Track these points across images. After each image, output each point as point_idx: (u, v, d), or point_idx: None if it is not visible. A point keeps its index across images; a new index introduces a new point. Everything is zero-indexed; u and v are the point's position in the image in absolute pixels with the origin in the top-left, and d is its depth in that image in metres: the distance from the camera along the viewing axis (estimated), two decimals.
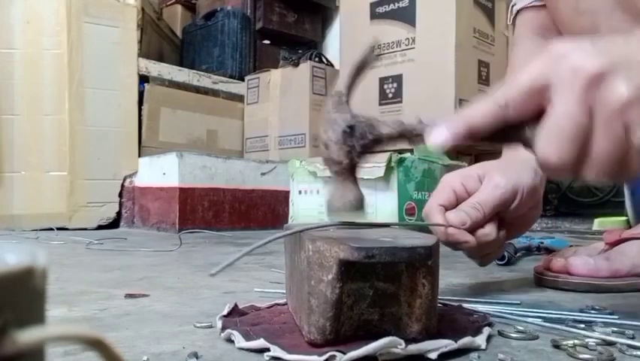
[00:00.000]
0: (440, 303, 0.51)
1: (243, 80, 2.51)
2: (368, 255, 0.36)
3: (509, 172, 0.59)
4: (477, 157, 2.05)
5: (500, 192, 0.57)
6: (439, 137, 0.39)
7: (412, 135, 0.42)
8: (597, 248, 0.76)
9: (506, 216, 0.60)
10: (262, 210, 2.06)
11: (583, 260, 0.71)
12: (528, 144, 0.38)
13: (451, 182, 0.59)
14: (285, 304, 0.53)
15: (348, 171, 0.44)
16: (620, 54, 0.35)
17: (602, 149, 0.34)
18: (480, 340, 0.41)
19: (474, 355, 0.39)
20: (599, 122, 0.34)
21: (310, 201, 1.68)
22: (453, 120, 0.39)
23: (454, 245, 0.57)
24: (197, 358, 0.39)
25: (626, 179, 0.37)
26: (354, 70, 0.47)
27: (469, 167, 0.64)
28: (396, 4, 1.87)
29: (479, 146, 0.41)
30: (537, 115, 0.37)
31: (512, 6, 0.83)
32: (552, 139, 0.35)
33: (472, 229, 0.56)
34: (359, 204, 0.45)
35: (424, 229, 0.61)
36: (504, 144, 0.41)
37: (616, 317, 0.53)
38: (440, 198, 0.58)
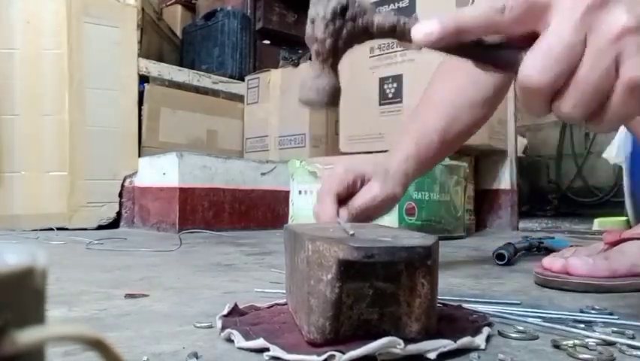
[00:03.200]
0: (440, 303, 0.51)
1: (242, 80, 2.51)
2: (367, 255, 0.36)
3: (388, 183, 0.66)
4: (477, 158, 2.05)
5: (375, 205, 0.66)
6: (427, 29, 0.37)
7: (402, 29, 0.39)
8: (597, 248, 0.76)
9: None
10: (262, 211, 2.06)
11: (582, 260, 0.71)
12: (512, 67, 0.36)
13: (347, 177, 0.65)
14: (285, 304, 0.53)
15: (329, 54, 0.41)
16: None
17: (586, 77, 0.33)
18: (479, 340, 0.41)
19: (474, 355, 0.39)
20: (591, 47, 0.33)
21: (310, 201, 1.67)
22: (445, 15, 0.37)
23: None
24: (197, 358, 0.39)
25: (599, 123, 0.35)
26: None
27: (364, 162, 0.69)
28: (396, 4, 1.87)
29: (457, 55, 0.37)
30: (527, 40, 0.35)
31: None
32: (539, 57, 0.34)
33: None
34: (333, 94, 0.42)
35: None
36: (488, 62, 0.38)
37: (616, 317, 0.53)
38: (338, 187, 0.63)
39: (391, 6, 1.89)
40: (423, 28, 0.37)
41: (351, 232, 0.42)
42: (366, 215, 0.66)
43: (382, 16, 0.40)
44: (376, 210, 0.67)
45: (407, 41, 0.39)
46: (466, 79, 0.77)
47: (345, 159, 0.69)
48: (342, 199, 0.64)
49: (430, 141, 0.73)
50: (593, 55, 0.33)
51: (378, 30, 0.40)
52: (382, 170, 0.68)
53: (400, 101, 1.83)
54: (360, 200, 0.65)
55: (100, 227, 1.95)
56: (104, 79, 1.97)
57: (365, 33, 0.40)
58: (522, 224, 2.13)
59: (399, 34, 0.40)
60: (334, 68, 0.42)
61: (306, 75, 0.42)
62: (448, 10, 1.73)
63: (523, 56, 0.35)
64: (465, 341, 0.40)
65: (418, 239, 0.41)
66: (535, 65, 0.34)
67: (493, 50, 0.37)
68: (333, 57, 0.41)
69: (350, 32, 0.40)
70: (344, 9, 0.39)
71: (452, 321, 0.46)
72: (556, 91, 0.34)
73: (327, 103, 0.42)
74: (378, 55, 1.89)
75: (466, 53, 0.38)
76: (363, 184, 0.67)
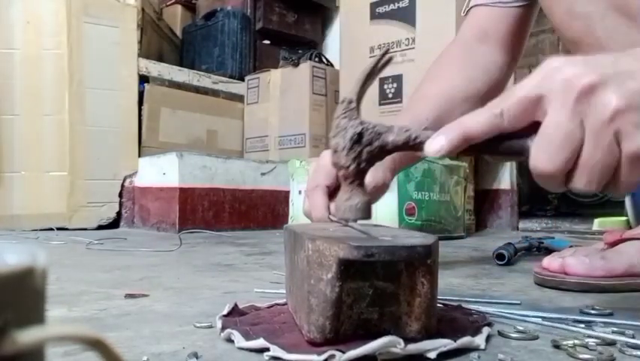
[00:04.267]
0: (440, 303, 0.51)
1: (243, 80, 2.51)
2: (367, 254, 0.36)
3: (378, 172, 0.66)
4: (477, 158, 2.05)
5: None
6: (437, 145, 0.40)
7: (415, 143, 0.43)
8: (597, 248, 0.76)
9: None
10: (262, 211, 2.06)
11: (579, 260, 0.71)
12: (522, 155, 0.39)
13: (328, 173, 0.64)
14: (285, 304, 0.53)
15: (355, 176, 0.46)
16: (611, 68, 0.37)
17: (592, 157, 0.36)
18: (479, 340, 0.41)
19: (474, 355, 0.39)
20: (590, 131, 0.35)
21: None
22: (450, 129, 0.40)
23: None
24: (197, 358, 0.39)
25: (615, 190, 0.38)
26: (364, 76, 0.48)
27: None
28: (396, 4, 1.87)
29: (470, 154, 0.44)
30: (531, 128, 0.38)
31: None
32: (543, 148, 0.36)
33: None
34: (366, 209, 0.47)
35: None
36: (499, 155, 0.42)
37: (616, 317, 0.53)
38: (326, 180, 0.62)
39: (391, 6, 1.89)
40: (434, 146, 0.40)
41: (363, 230, 0.44)
42: None
43: (395, 135, 0.44)
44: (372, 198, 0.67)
45: (421, 152, 0.43)
46: (460, 74, 0.77)
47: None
48: (332, 191, 0.63)
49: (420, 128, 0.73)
50: (593, 137, 0.35)
51: (393, 147, 0.44)
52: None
53: (400, 101, 1.83)
54: None
55: (100, 227, 1.95)
56: (104, 79, 1.97)
57: (382, 151, 0.45)
58: (522, 224, 2.13)
59: (413, 148, 0.44)
60: (361, 185, 0.47)
61: (339, 198, 0.47)
62: (447, 8, 1.73)
63: (530, 143, 0.38)
64: (465, 340, 0.40)
65: (417, 239, 0.41)
66: (542, 156, 0.37)
67: (501, 144, 0.40)
68: (358, 178, 0.46)
69: (369, 154, 0.45)
70: (360, 137, 0.44)
71: (452, 321, 0.46)
72: (567, 172, 0.37)
73: (363, 218, 0.47)
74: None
75: (478, 151, 0.42)
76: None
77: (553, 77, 0.37)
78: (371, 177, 0.65)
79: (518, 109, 0.38)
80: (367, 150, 0.44)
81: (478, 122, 0.39)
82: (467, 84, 0.76)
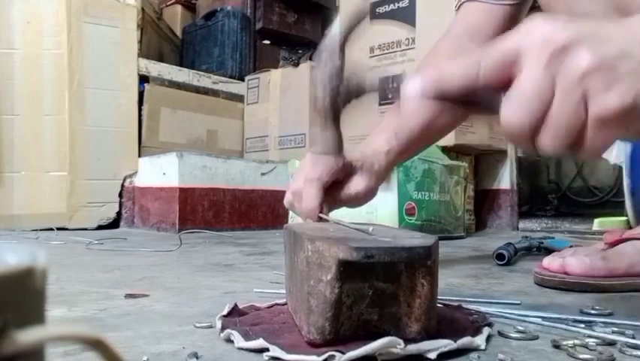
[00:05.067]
0: (440, 303, 0.51)
1: (243, 80, 2.51)
2: (367, 255, 0.36)
3: (372, 178, 0.67)
4: (477, 158, 2.05)
5: (359, 199, 0.66)
6: (411, 88, 0.40)
7: (391, 88, 0.45)
8: (597, 248, 0.76)
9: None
10: (262, 210, 2.06)
11: (579, 260, 0.71)
12: (493, 111, 0.39)
13: (338, 164, 0.62)
14: (285, 304, 0.53)
15: (330, 112, 0.47)
16: (590, 30, 0.36)
17: (559, 115, 0.35)
18: (479, 340, 0.41)
19: (474, 355, 0.39)
20: (560, 89, 0.35)
21: None
22: (426, 75, 0.40)
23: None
24: (197, 358, 0.39)
25: (580, 154, 0.38)
26: (351, 20, 0.50)
27: (351, 150, 0.69)
28: (396, 4, 1.87)
29: (444, 102, 0.43)
30: (506, 85, 0.38)
31: None
32: (514, 103, 0.36)
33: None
34: (336, 144, 0.49)
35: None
36: (471, 109, 0.42)
37: (616, 317, 0.53)
38: (327, 175, 0.61)
39: (391, 6, 1.89)
40: (409, 89, 0.40)
41: (370, 229, 0.44)
42: (346, 205, 0.67)
43: (373, 76, 0.46)
44: (359, 202, 0.68)
45: (397, 98, 0.45)
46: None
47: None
48: (327, 188, 0.62)
49: (410, 136, 0.72)
50: (562, 95, 0.35)
51: (370, 88, 0.46)
52: (369, 164, 0.67)
53: None
54: (346, 195, 0.64)
55: (100, 227, 1.95)
56: (104, 79, 1.97)
57: (359, 90, 0.46)
58: (522, 224, 2.13)
59: (390, 92, 0.46)
60: (336, 122, 0.48)
61: (315, 131, 0.50)
62: (447, 8, 1.73)
63: (501, 102, 0.38)
64: (465, 341, 0.40)
65: (417, 239, 0.41)
66: (512, 109, 0.36)
67: (473, 97, 0.40)
68: (333, 112, 0.48)
69: (346, 92, 0.46)
70: (339, 71, 0.46)
71: (452, 321, 0.46)
72: (534, 130, 0.37)
73: (333, 153, 0.49)
74: (378, 55, 1.89)
75: (452, 101, 0.41)
76: (348, 173, 0.65)
77: (532, 33, 0.37)
78: (364, 185, 0.66)
79: (496, 62, 0.37)
80: (344, 88, 0.46)
81: (454, 73, 0.39)
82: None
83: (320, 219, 0.58)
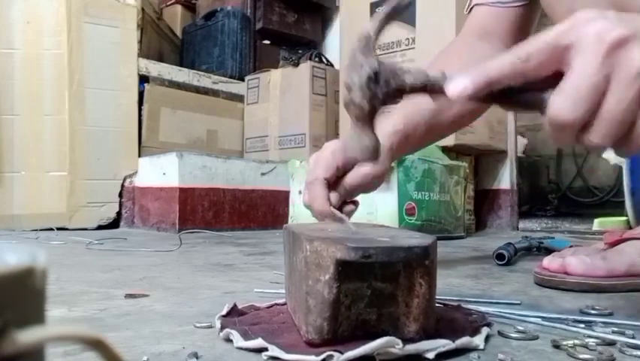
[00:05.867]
0: (439, 303, 0.51)
1: (243, 80, 2.51)
2: (365, 255, 0.36)
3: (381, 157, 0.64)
4: (477, 158, 2.05)
5: (366, 183, 0.63)
6: (458, 85, 0.39)
7: (434, 87, 0.41)
8: (597, 248, 0.76)
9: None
10: (262, 210, 2.06)
11: (579, 260, 0.71)
12: (540, 106, 0.39)
13: (335, 159, 0.62)
14: (285, 304, 0.53)
15: (368, 117, 0.44)
16: None
17: (613, 110, 0.36)
18: (478, 340, 0.41)
19: (474, 355, 0.39)
20: (615, 84, 0.35)
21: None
22: (474, 71, 0.39)
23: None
24: (197, 358, 0.39)
25: (627, 148, 0.38)
26: (385, 15, 0.46)
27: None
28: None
29: (488, 102, 0.42)
30: (553, 78, 0.38)
31: None
32: (567, 95, 0.36)
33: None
34: (375, 152, 0.46)
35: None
36: (517, 105, 0.42)
37: (616, 317, 0.53)
38: (326, 172, 0.60)
39: None
40: (457, 86, 0.40)
41: (353, 229, 0.43)
42: (357, 193, 0.65)
43: (413, 76, 0.42)
44: (367, 187, 0.66)
45: (439, 96, 0.41)
46: (460, 68, 0.76)
47: (333, 141, 0.67)
48: (333, 183, 0.62)
49: (418, 122, 0.71)
50: (618, 92, 0.35)
51: (410, 89, 0.42)
52: None
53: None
54: (351, 180, 0.63)
55: (100, 227, 1.95)
56: (104, 79, 1.97)
57: (398, 93, 0.43)
58: (522, 224, 2.13)
59: (430, 91, 0.42)
60: (372, 127, 0.45)
61: (350, 138, 0.46)
62: (447, 8, 1.73)
63: (549, 96, 0.37)
64: (464, 341, 0.40)
65: (416, 239, 0.41)
66: (565, 103, 0.36)
67: (519, 94, 0.40)
68: (370, 119, 0.44)
69: (384, 95, 0.43)
70: (377, 75, 0.42)
71: (451, 321, 0.46)
72: (584, 124, 0.37)
73: (371, 159, 0.46)
74: (379, 55, 1.88)
75: (496, 100, 0.40)
76: (353, 163, 0.64)
77: (585, 28, 0.37)
78: (370, 168, 0.63)
79: (545, 54, 0.37)
80: (383, 90, 0.42)
81: (503, 65, 0.38)
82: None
83: (335, 217, 0.57)
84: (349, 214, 0.61)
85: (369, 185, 0.65)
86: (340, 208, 0.60)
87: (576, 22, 0.37)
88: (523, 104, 0.41)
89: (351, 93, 0.43)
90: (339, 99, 2.12)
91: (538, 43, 0.38)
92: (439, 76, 0.41)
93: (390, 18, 0.47)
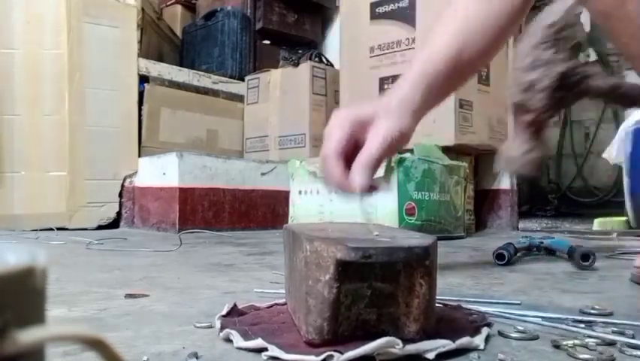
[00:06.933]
0: (439, 303, 0.51)
1: (243, 80, 2.51)
2: (365, 255, 0.36)
3: (394, 117, 0.59)
4: (477, 158, 2.05)
5: (387, 145, 0.58)
6: None
7: (618, 94, 0.36)
8: None
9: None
10: (262, 210, 2.06)
11: None
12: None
13: (345, 130, 0.57)
14: (285, 304, 0.53)
15: (544, 125, 0.38)
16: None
17: None
18: (478, 340, 0.41)
19: (474, 355, 0.39)
20: None
21: (310, 201, 1.68)
22: None
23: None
24: (197, 358, 0.39)
25: None
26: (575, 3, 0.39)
27: (361, 107, 0.61)
28: (396, 4, 1.87)
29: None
30: None
31: None
32: None
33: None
34: (540, 166, 0.39)
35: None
36: (615, 99, 0.36)
37: (616, 317, 0.53)
38: (338, 144, 0.56)
39: (391, 6, 1.89)
40: None
41: (375, 233, 0.42)
42: (381, 158, 0.59)
43: (602, 81, 0.36)
44: (389, 150, 0.60)
45: (624, 105, 0.36)
46: (477, 5, 0.72)
47: (343, 109, 0.63)
48: (350, 154, 0.57)
49: (439, 65, 0.65)
50: None
51: (594, 94, 0.36)
52: (384, 104, 0.61)
53: None
54: (370, 146, 0.57)
55: (100, 227, 1.95)
56: (104, 79, 1.97)
57: (579, 97, 0.37)
58: (522, 224, 2.13)
59: (614, 98, 0.37)
60: (542, 138, 0.39)
61: (513, 147, 0.39)
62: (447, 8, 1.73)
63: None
64: (464, 341, 0.40)
65: (416, 239, 0.41)
66: None
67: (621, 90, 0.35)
68: (544, 126, 0.38)
69: (569, 101, 0.37)
70: (566, 77, 0.35)
71: (451, 321, 0.46)
72: None
73: (534, 175, 0.40)
74: (379, 55, 1.89)
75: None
76: (368, 128, 0.59)
77: None
78: (386, 128, 0.58)
79: None
80: (569, 95, 0.35)
81: None
82: (487, 12, 0.69)
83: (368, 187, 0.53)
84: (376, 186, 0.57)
85: (392, 146, 0.59)
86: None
87: None
88: (624, 99, 0.36)
89: (532, 95, 0.36)
90: (340, 99, 2.12)
91: None
92: (626, 84, 0.36)
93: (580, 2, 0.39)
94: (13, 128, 1.85)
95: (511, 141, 0.39)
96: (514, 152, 0.39)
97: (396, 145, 0.59)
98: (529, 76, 0.36)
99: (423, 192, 1.53)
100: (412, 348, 0.37)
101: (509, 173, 0.49)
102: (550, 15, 0.37)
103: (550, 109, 0.36)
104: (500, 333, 0.46)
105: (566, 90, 0.35)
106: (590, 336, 0.44)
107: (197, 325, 0.49)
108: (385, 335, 0.37)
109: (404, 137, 0.60)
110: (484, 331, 0.44)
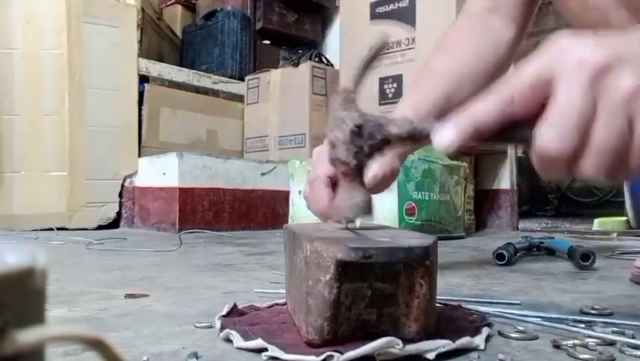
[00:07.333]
0: (440, 303, 0.51)
1: (243, 80, 2.51)
2: (365, 255, 0.36)
3: (386, 158, 0.58)
4: (477, 158, 2.05)
5: (377, 184, 0.58)
6: (446, 138, 0.37)
7: (421, 136, 0.40)
8: None
9: None
10: (262, 210, 2.06)
11: None
12: (525, 141, 0.37)
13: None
14: (285, 304, 0.53)
15: (355, 173, 0.43)
16: (624, 48, 0.35)
17: (603, 139, 0.34)
18: (478, 340, 0.41)
19: (474, 355, 0.39)
20: (603, 112, 0.34)
21: None
22: (460, 120, 0.37)
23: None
24: (197, 358, 0.39)
25: (624, 176, 0.36)
26: (361, 67, 0.46)
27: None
28: (396, 4, 1.87)
29: (481, 147, 0.40)
30: (539, 112, 0.36)
31: None
32: (554, 128, 0.34)
33: None
34: (367, 207, 0.44)
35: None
36: (507, 143, 0.40)
37: (616, 317, 0.53)
38: (327, 170, 0.56)
39: (391, 6, 1.89)
40: (444, 138, 0.38)
41: (357, 229, 0.43)
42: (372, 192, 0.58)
43: (398, 126, 0.40)
44: (381, 187, 0.60)
45: (427, 144, 0.39)
46: (470, 49, 0.72)
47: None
48: (335, 181, 0.57)
49: (427, 109, 0.68)
50: (606, 119, 0.34)
51: (397, 140, 0.41)
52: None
53: None
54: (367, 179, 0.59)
55: (100, 227, 1.95)
56: (104, 79, 1.97)
57: (385, 145, 0.41)
58: (522, 224, 2.13)
59: (418, 140, 0.40)
60: (362, 182, 0.43)
61: (339, 197, 0.44)
62: (447, 8, 1.73)
63: (535, 131, 0.35)
64: (464, 341, 0.40)
65: (416, 239, 0.41)
66: (552, 136, 0.34)
67: (508, 131, 0.38)
68: (359, 174, 0.43)
69: (370, 148, 0.41)
70: (361, 129, 0.40)
71: (452, 321, 0.46)
72: (574, 155, 0.35)
73: (364, 215, 0.44)
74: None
75: (483, 141, 0.39)
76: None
77: (564, 56, 0.35)
78: (378, 168, 0.58)
79: (529, 92, 0.35)
80: (369, 144, 0.41)
81: (489, 111, 0.37)
82: (477, 60, 0.73)
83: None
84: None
85: (381, 186, 0.60)
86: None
87: (554, 52, 0.35)
88: (511, 141, 0.40)
89: (337, 150, 0.41)
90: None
91: (520, 82, 0.36)
92: (425, 124, 0.40)
93: (366, 68, 0.46)
94: (13, 128, 1.85)
95: (339, 192, 0.45)
96: (340, 201, 0.45)
97: (386, 183, 0.60)
98: (331, 134, 0.42)
99: (423, 192, 1.53)
100: (412, 348, 0.37)
101: (344, 218, 0.51)
102: (341, 85, 0.44)
103: (356, 160, 0.41)
104: (500, 333, 0.46)
105: (365, 141, 0.40)
106: (590, 336, 0.44)
107: (197, 325, 0.49)
108: (385, 335, 0.37)
109: (394, 174, 0.62)
110: (485, 331, 0.44)
